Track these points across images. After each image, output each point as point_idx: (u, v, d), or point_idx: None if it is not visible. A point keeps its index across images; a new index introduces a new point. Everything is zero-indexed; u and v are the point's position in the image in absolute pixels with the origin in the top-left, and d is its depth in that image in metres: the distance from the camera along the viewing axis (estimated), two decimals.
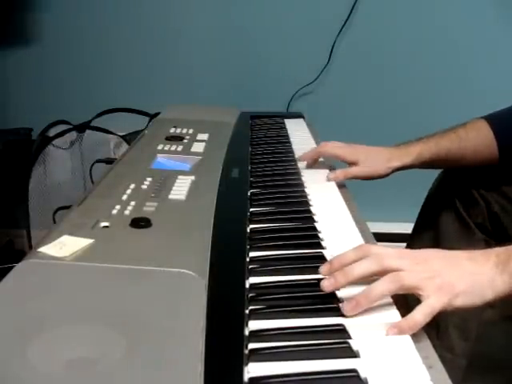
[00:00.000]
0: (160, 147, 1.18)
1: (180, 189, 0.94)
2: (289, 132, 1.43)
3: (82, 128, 2.07)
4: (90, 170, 1.89)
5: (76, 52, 2.18)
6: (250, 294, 0.68)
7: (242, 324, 0.61)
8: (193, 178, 1.00)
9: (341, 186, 1.09)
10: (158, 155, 1.12)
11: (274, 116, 1.59)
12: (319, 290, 0.69)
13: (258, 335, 0.60)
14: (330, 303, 0.67)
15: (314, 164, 1.18)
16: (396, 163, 1.14)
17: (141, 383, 0.50)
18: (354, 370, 0.55)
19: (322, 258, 0.77)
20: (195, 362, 0.52)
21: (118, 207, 0.84)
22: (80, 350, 0.54)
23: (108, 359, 0.52)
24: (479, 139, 1.17)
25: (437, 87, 2.12)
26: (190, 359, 0.53)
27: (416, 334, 0.63)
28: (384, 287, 0.66)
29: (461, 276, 0.67)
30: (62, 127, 2.08)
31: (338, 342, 0.59)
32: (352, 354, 0.58)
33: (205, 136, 1.27)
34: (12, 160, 2.06)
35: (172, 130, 1.30)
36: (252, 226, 0.88)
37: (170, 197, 0.91)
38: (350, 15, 2.07)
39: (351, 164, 1.14)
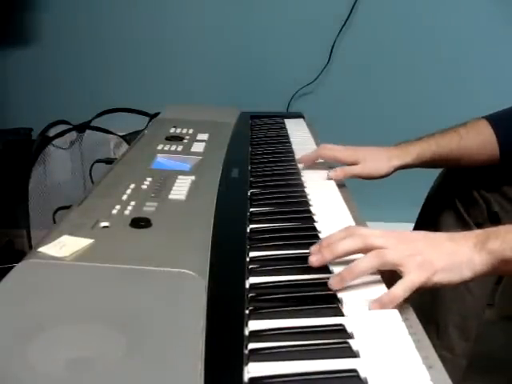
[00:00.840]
0: (160, 147, 1.18)
1: (180, 189, 0.94)
2: (289, 132, 1.43)
3: (82, 128, 2.07)
4: (90, 170, 1.89)
5: (76, 52, 2.18)
6: (250, 294, 0.68)
7: (242, 324, 0.61)
8: (193, 178, 1.00)
9: (341, 185, 1.09)
10: (158, 155, 1.12)
11: (274, 116, 1.59)
12: (319, 289, 0.69)
13: (258, 335, 0.60)
14: (330, 303, 0.67)
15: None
16: (396, 162, 1.14)
17: (141, 383, 0.50)
18: (354, 370, 0.55)
19: None
20: (195, 362, 0.52)
21: (117, 207, 0.84)
22: (80, 349, 0.54)
23: (108, 359, 0.52)
24: (480, 139, 1.17)
25: (437, 87, 2.12)
26: (190, 359, 0.53)
27: (416, 334, 0.62)
28: (367, 263, 0.70)
29: (440, 255, 0.71)
30: (62, 127, 2.08)
31: (338, 342, 0.59)
32: (352, 354, 0.58)
33: (205, 136, 1.27)
34: (12, 160, 2.06)
35: (172, 130, 1.30)
36: (252, 225, 0.88)
37: (170, 197, 0.91)
38: (349, 15, 2.07)
39: (352, 165, 1.14)
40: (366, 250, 0.72)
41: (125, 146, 1.99)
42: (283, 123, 1.51)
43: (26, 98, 2.21)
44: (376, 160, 1.14)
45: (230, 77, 2.16)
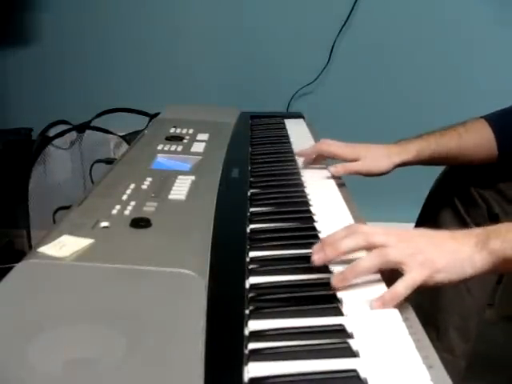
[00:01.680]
0: (160, 147, 1.17)
1: (180, 189, 0.94)
2: (289, 132, 1.43)
3: (82, 128, 2.07)
4: (90, 170, 1.89)
5: (76, 52, 2.18)
6: (250, 294, 0.68)
7: (242, 324, 0.61)
8: (193, 178, 1.00)
9: (341, 185, 1.09)
10: (158, 155, 1.12)
11: (274, 116, 1.59)
12: (319, 289, 0.69)
13: (258, 335, 0.60)
14: (330, 303, 0.67)
15: (311, 161, 1.17)
16: (396, 159, 1.14)
17: (141, 383, 0.50)
18: (354, 370, 0.55)
19: None
20: (195, 362, 0.52)
21: (118, 207, 0.84)
22: (80, 350, 0.54)
23: (108, 359, 0.52)
24: (479, 138, 1.18)
25: (436, 87, 2.12)
26: (190, 359, 0.53)
27: (416, 334, 0.62)
28: (370, 261, 0.70)
29: (442, 253, 0.71)
30: (62, 127, 2.08)
31: (337, 342, 0.59)
32: (352, 354, 0.58)
33: (205, 136, 1.27)
34: (12, 160, 2.06)
35: (172, 130, 1.30)
36: (252, 225, 0.87)
37: (170, 197, 0.91)
38: (349, 15, 2.07)
39: (352, 161, 1.14)
40: (368, 248, 0.72)
41: (125, 146, 1.99)
42: (283, 123, 1.51)
43: (26, 97, 2.21)
44: (376, 157, 1.14)
45: (230, 77, 2.16)
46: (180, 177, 1.00)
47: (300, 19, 2.11)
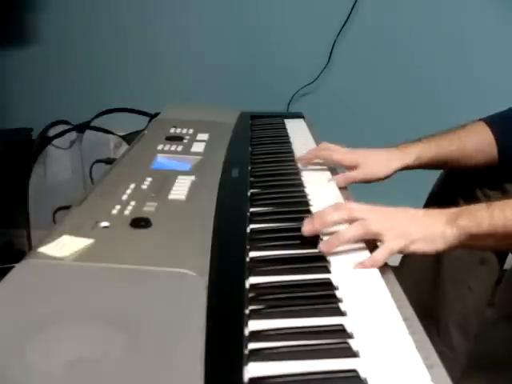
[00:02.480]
0: (160, 147, 1.18)
1: (180, 189, 0.94)
2: (289, 132, 1.43)
3: (81, 128, 2.07)
4: (90, 170, 1.89)
5: (76, 52, 2.19)
6: (250, 294, 0.68)
7: (242, 324, 0.61)
8: (193, 178, 1.00)
9: None
10: (158, 155, 1.12)
11: (274, 116, 1.59)
12: (319, 290, 0.69)
13: (258, 335, 0.60)
14: (330, 303, 0.67)
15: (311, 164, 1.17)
16: (396, 164, 1.14)
17: (141, 383, 0.50)
18: (354, 370, 0.55)
19: (322, 258, 0.77)
20: (195, 362, 0.52)
21: (118, 207, 0.84)
22: (80, 349, 0.54)
23: (108, 359, 0.52)
24: (479, 141, 1.17)
25: (436, 87, 2.12)
26: (190, 359, 0.53)
27: (416, 334, 0.62)
28: (353, 231, 0.79)
29: (417, 227, 0.80)
30: (62, 127, 2.08)
31: (337, 342, 0.59)
32: (352, 354, 0.58)
33: (205, 136, 1.27)
34: (12, 160, 2.06)
35: (172, 130, 1.30)
36: (252, 225, 0.87)
37: (170, 197, 0.91)
38: (349, 15, 2.07)
39: (351, 168, 1.13)
40: (351, 222, 0.80)
41: (125, 146, 2.00)
42: (283, 123, 1.51)
43: (26, 98, 2.21)
44: (375, 163, 1.13)
45: (230, 77, 2.16)
46: (180, 177, 1.00)
47: (300, 19, 2.11)
